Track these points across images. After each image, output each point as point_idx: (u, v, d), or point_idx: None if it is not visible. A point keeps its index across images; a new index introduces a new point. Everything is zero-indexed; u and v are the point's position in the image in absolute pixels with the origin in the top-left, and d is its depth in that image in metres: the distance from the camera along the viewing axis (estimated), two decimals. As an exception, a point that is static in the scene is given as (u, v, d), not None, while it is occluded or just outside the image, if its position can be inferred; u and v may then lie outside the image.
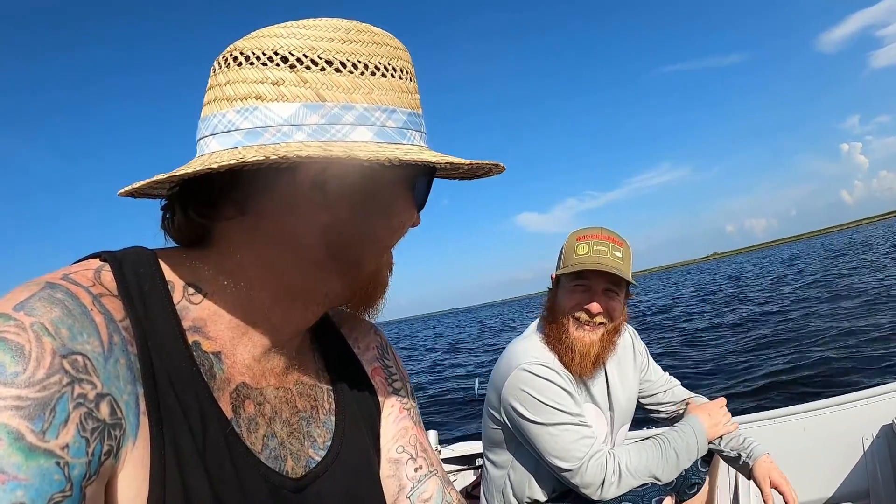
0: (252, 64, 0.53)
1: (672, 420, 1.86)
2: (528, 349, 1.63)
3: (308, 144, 0.51)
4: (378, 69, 0.55)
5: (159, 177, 0.51)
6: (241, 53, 0.53)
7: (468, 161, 0.58)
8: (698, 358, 8.05)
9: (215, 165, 0.48)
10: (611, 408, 1.74)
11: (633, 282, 1.61)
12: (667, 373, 1.95)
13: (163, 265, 0.57)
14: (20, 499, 0.39)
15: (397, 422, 0.77)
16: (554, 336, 1.61)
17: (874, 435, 2.17)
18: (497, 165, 0.62)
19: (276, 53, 0.52)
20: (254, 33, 0.54)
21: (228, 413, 0.56)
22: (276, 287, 0.59)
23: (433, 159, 0.55)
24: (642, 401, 1.90)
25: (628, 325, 1.81)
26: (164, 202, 0.61)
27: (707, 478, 1.71)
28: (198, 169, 0.49)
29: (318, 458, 0.63)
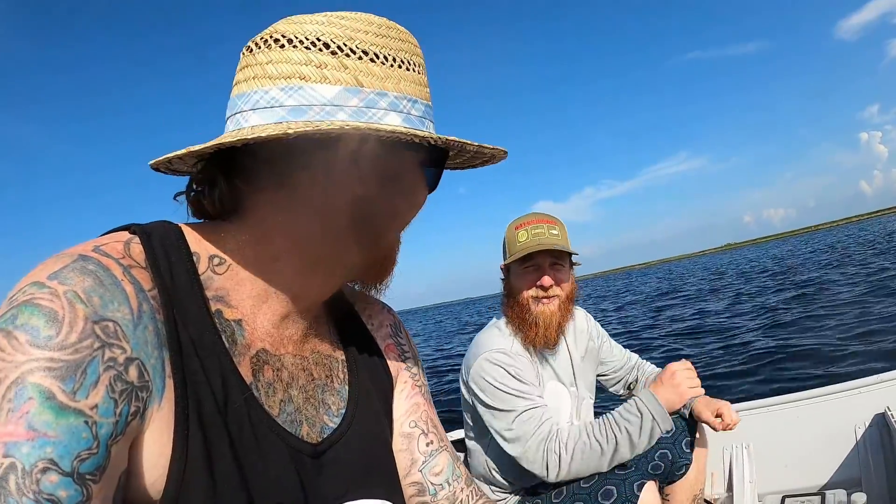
0: (295, 47, 0.57)
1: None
2: (490, 338, 1.74)
3: (351, 123, 0.55)
4: (404, 63, 0.60)
5: (213, 142, 0.54)
6: (284, 37, 0.57)
7: (490, 146, 0.64)
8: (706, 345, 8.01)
9: (264, 134, 0.52)
10: (574, 383, 1.83)
11: (574, 251, 1.78)
12: (629, 351, 2.06)
13: (188, 238, 0.60)
14: (48, 455, 0.42)
15: (409, 398, 0.80)
16: (517, 316, 1.74)
17: (867, 423, 2.16)
18: (500, 151, 0.67)
19: (318, 39, 0.56)
20: (291, 18, 0.58)
21: (248, 377, 0.59)
22: (301, 257, 0.62)
23: (460, 140, 0.60)
24: (604, 379, 2.02)
25: (581, 308, 1.95)
26: (194, 177, 0.64)
27: (693, 458, 1.69)
28: (248, 137, 0.52)
29: (333, 425, 0.67)
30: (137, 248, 0.55)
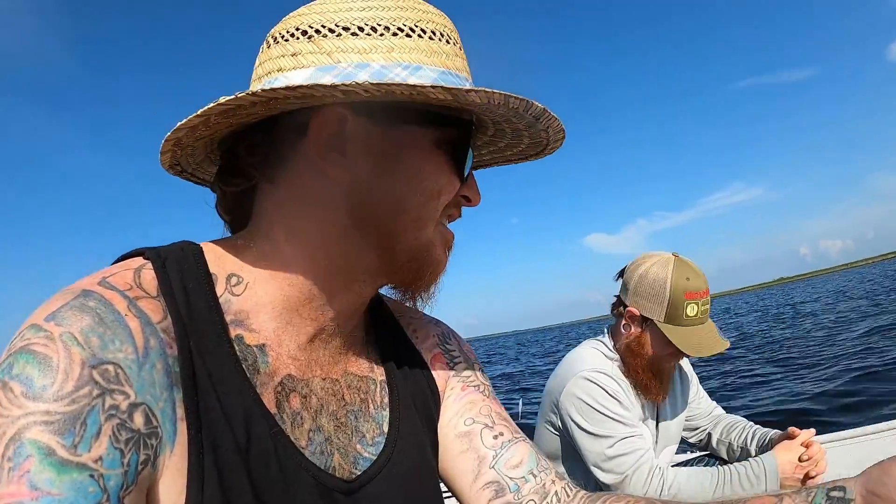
0: (277, 43, 0.56)
1: (710, 446, 1.86)
2: (591, 357, 1.64)
3: (315, 83, 0.49)
4: (402, 30, 0.54)
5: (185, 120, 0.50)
6: (272, 37, 0.57)
7: (539, 106, 0.54)
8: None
9: (223, 100, 0.48)
10: (657, 427, 1.73)
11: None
12: (715, 402, 1.94)
13: (208, 257, 0.56)
14: None
15: (460, 399, 0.71)
16: (639, 366, 1.61)
17: None
18: (553, 120, 0.58)
19: (297, 29, 0.55)
20: (286, 17, 0.57)
21: (272, 408, 0.54)
22: (313, 264, 0.57)
23: (444, 84, 0.50)
24: (688, 425, 1.89)
25: None
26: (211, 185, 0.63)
27: None
28: (208, 106, 0.49)
29: (368, 455, 0.60)
30: (149, 276, 0.51)
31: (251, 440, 0.51)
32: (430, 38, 0.56)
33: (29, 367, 0.42)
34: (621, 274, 1.74)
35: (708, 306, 1.59)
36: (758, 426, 1.78)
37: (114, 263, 0.54)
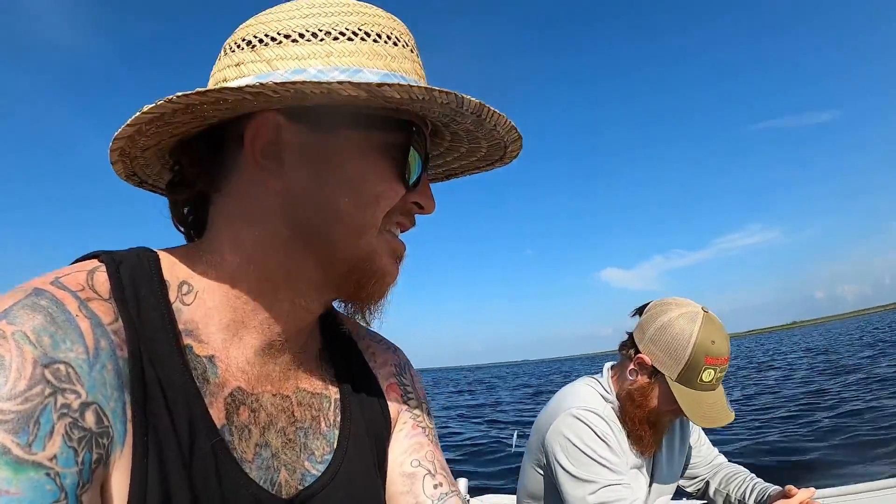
0: (226, 54, 0.57)
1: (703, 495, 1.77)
2: (583, 394, 1.56)
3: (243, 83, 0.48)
4: (343, 34, 0.54)
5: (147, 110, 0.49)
6: (223, 49, 0.58)
7: (488, 109, 0.54)
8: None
9: (161, 101, 0.48)
10: (652, 475, 1.63)
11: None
12: (717, 451, 1.85)
13: (163, 264, 0.56)
14: None
15: (410, 437, 0.71)
16: (636, 412, 1.52)
17: None
18: (504, 122, 0.57)
19: (242, 40, 0.55)
20: (237, 28, 0.58)
21: (220, 420, 0.53)
22: (256, 276, 0.57)
23: (374, 79, 0.50)
24: (686, 473, 1.81)
25: None
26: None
27: None
28: (146, 108, 0.49)
29: (315, 473, 0.60)
30: (102, 278, 0.51)
31: (195, 450, 0.50)
32: (375, 41, 0.55)
33: None
34: (640, 311, 1.61)
35: (724, 374, 1.47)
36: (759, 479, 1.70)
37: (71, 265, 0.54)
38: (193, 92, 0.47)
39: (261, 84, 0.46)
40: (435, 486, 0.67)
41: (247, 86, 0.47)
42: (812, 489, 1.47)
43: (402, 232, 0.62)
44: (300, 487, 0.58)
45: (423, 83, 0.57)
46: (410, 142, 0.56)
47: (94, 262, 0.53)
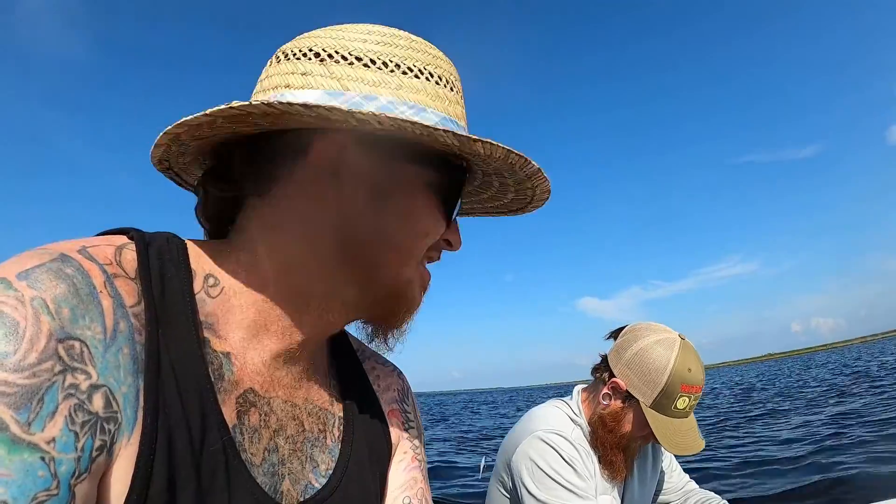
0: (288, 59, 0.56)
1: None
2: (552, 416, 1.52)
3: (322, 104, 0.49)
4: (412, 70, 0.55)
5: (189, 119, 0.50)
6: (283, 52, 0.57)
7: (531, 164, 0.56)
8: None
9: (236, 104, 0.47)
10: (622, 499, 1.59)
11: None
12: (688, 477, 1.81)
13: (191, 253, 0.55)
14: (1, 496, 0.36)
15: (407, 471, 0.71)
16: (608, 437, 1.48)
17: None
18: (540, 178, 0.59)
19: (310, 50, 0.55)
20: (299, 36, 0.58)
21: (232, 419, 0.52)
22: (290, 287, 0.57)
23: (457, 132, 0.50)
24: (656, 500, 1.76)
25: None
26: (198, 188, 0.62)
27: None
28: (209, 111, 0.48)
29: (317, 485, 0.59)
30: (130, 255, 0.49)
31: (204, 443, 0.49)
32: (437, 82, 0.56)
33: None
34: (615, 334, 1.59)
35: (697, 402, 1.46)
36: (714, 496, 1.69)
37: (96, 235, 0.51)
38: (300, 103, 0.47)
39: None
40: None
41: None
42: None
43: (428, 263, 0.64)
44: (301, 499, 0.57)
45: (465, 129, 0.59)
46: (462, 184, 0.60)
47: (124, 239, 0.51)
